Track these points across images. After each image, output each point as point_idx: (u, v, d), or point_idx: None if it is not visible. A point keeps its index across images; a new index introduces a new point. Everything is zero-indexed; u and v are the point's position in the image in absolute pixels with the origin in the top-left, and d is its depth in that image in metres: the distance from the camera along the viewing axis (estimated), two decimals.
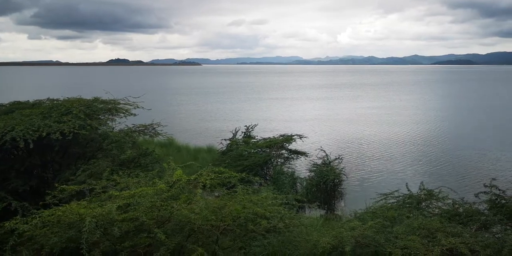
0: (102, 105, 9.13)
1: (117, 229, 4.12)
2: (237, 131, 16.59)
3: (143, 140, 15.42)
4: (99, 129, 8.88)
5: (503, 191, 8.24)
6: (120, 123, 9.48)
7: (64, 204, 4.54)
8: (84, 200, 4.84)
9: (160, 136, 9.64)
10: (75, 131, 7.70)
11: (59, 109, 8.43)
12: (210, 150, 19.27)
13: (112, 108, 8.94)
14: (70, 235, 4.31)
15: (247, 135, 16.27)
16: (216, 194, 7.32)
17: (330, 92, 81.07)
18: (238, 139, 16.06)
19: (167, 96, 66.70)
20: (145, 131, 9.49)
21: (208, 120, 38.12)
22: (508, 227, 6.98)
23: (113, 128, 9.31)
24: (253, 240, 6.47)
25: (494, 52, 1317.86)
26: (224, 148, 15.86)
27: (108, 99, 9.40)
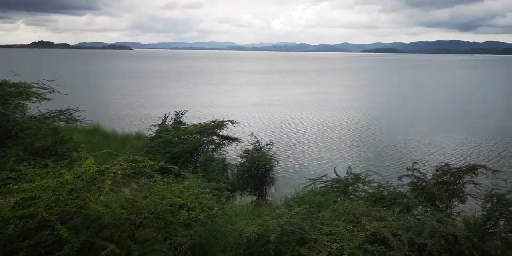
0: (12, 88, 8.30)
1: (12, 227, 3.65)
2: (167, 116, 16.04)
3: (65, 127, 14.46)
4: (8, 115, 8.06)
5: (424, 174, 8.54)
6: (31, 109, 8.70)
7: None
8: None
9: (78, 122, 8.95)
10: None
11: None
12: (139, 136, 18.54)
13: (23, 92, 8.15)
14: None
15: (177, 121, 15.77)
16: (143, 182, 6.90)
17: (267, 78, 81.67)
18: (168, 125, 15.53)
19: (96, 81, 63.94)
20: (61, 117, 8.76)
21: (143, 106, 36.97)
22: (428, 209, 7.21)
23: (24, 114, 8.51)
24: (179, 230, 6.17)
25: (418, 41, 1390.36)
26: (154, 135, 15.28)
27: (19, 82, 8.56)
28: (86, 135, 17.17)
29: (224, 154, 14.08)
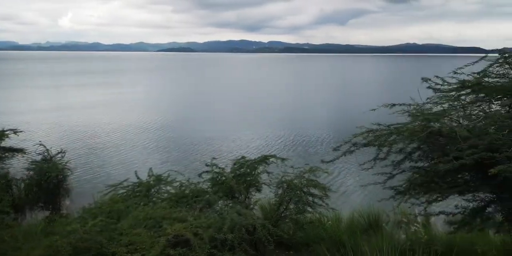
0: None
1: None
2: None
3: None
4: None
5: (223, 168, 8.85)
6: None
7: None
8: None
9: None
10: None
11: None
12: None
13: None
14: None
15: None
16: None
17: (58, 80, 75.05)
18: None
19: None
20: None
21: None
22: (229, 202, 7.48)
23: None
24: None
25: (211, 41, 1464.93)
26: None
27: None
28: None
29: (7, 169, 12.31)
